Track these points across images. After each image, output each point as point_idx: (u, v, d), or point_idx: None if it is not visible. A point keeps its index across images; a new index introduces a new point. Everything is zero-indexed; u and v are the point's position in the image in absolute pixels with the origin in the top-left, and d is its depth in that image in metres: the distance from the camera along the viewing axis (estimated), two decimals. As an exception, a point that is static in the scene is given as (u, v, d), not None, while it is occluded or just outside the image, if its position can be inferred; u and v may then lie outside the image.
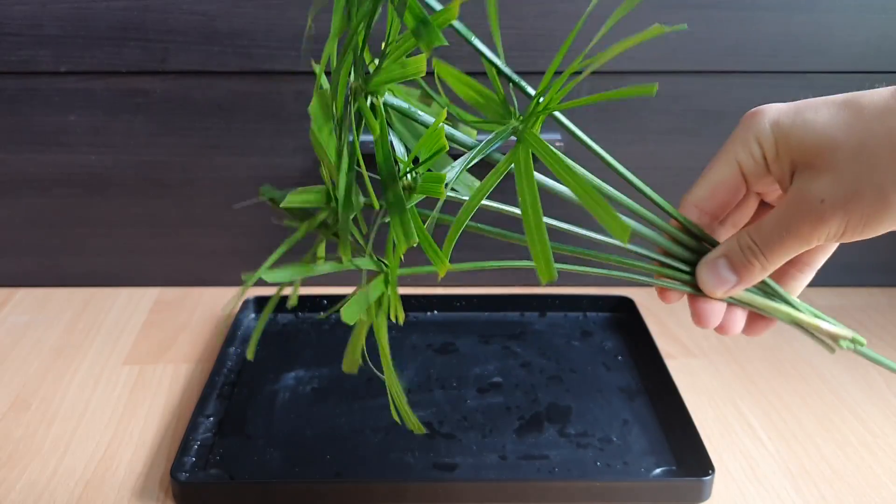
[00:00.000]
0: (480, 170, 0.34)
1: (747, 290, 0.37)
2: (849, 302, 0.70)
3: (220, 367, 0.57)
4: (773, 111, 0.34)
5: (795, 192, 0.33)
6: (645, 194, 0.36)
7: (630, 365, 0.59)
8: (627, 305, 0.65)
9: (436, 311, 0.66)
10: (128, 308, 0.68)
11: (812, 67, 0.62)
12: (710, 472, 0.46)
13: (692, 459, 0.48)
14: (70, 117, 0.63)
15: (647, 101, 0.63)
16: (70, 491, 0.47)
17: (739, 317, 0.38)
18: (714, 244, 0.37)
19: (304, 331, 0.63)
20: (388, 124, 0.35)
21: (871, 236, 0.32)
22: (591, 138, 0.36)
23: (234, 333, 0.61)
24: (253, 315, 0.65)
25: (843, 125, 0.31)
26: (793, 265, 0.38)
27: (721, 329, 0.38)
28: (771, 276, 0.37)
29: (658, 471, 0.48)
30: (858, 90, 0.66)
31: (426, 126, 0.34)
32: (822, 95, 0.67)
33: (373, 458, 0.49)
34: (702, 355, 0.61)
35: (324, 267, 0.36)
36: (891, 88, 0.31)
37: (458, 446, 0.50)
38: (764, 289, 0.38)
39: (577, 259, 0.37)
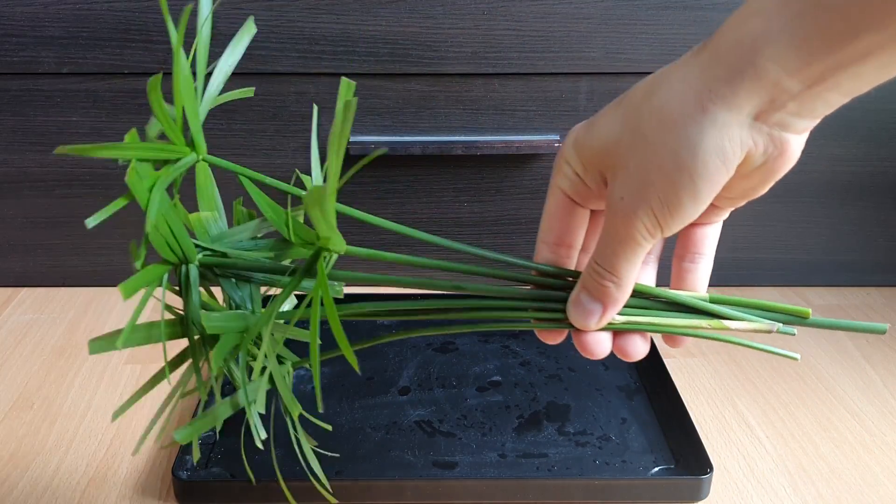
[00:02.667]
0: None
1: (635, 311, 0.35)
2: (846, 302, 0.70)
3: (222, 366, 0.57)
4: (574, 130, 0.34)
5: (607, 199, 0.32)
6: (502, 258, 0.36)
7: (629, 364, 0.59)
8: (626, 305, 0.65)
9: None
10: (130, 307, 0.68)
11: (810, 68, 0.62)
12: (709, 470, 0.46)
13: (690, 458, 0.48)
14: (72, 118, 0.64)
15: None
16: (73, 489, 0.47)
17: (637, 340, 0.36)
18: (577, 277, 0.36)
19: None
20: None
21: (690, 215, 0.30)
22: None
23: (235, 333, 0.61)
24: (254, 314, 0.65)
25: (619, 120, 0.31)
26: (683, 259, 0.37)
27: (623, 355, 0.36)
28: (673, 281, 0.37)
29: (656, 469, 0.48)
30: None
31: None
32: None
33: (373, 457, 0.49)
34: (700, 355, 0.62)
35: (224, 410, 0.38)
36: (656, 73, 0.31)
37: (457, 444, 0.50)
38: (655, 300, 0.36)
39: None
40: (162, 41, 0.61)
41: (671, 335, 0.36)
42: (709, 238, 0.36)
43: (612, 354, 0.62)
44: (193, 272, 0.35)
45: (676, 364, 0.60)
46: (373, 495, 0.46)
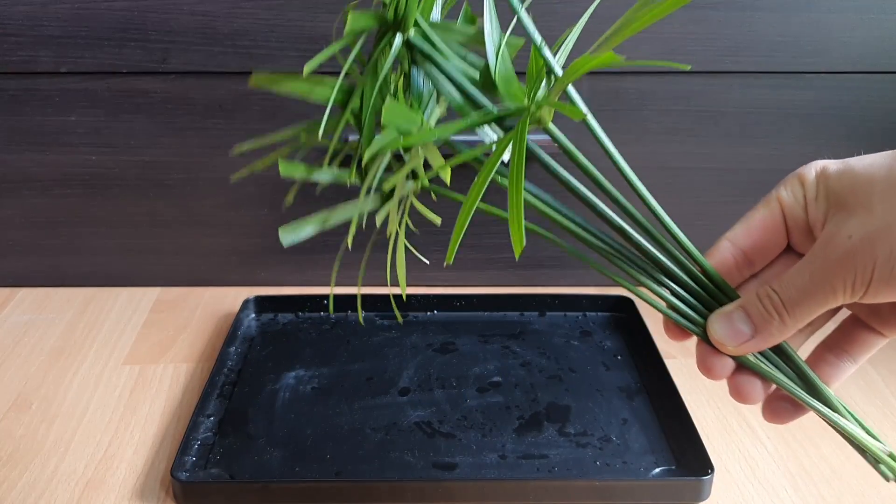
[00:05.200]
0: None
1: (768, 362, 0.34)
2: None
3: (221, 367, 0.57)
4: (824, 161, 0.32)
5: (824, 234, 0.30)
6: (673, 234, 0.34)
7: (629, 364, 0.59)
8: (627, 305, 0.65)
9: (436, 311, 0.66)
10: (128, 308, 0.68)
11: (811, 68, 0.62)
12: (710, 471, 0.46)
13: (691, 459, 0.48)
14: (71, 117, 0.64)
15: (647, 101, 0.63)
16: (71, 490, 0.47)
17: (757, 385, 0.34)
18: (735, 299, 0.34)
19: (304, 330, 0.63)
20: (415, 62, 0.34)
21: None
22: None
23: (234, 333, 0.61)
24: (253, 315, 0.65)
25: (884, 166, 0.30)
26: (830, 349, 0.35)
27: (736, 392, 0.34)
28: (807, 364, 0.34)
29: (657, 470, 0.48)
30: (857, 90, 0.66)
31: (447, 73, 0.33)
32: (820, 95, 0.68)
33: (373, 458, 0.49)
34: (701, 355, 0.61)
35: (325, 174, 0.35)
36: None
37: (457, 446, 0.50)
38: (790, 366, 0.34)
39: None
40: (160, 40, 0.60)
41: (777, 410, 0.35)
42: (871, 348, 0.35)
43: (610, 356, 0.62)
44: (398, 43, 0.32)
45: (677, 365, 0.60)
46: (373, 496, 0.46)
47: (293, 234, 0.34)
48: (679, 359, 0.61)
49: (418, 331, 0.63)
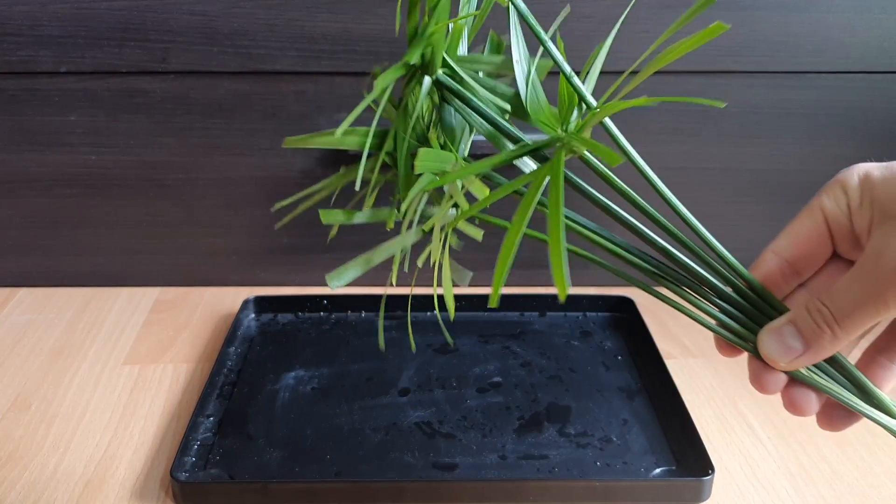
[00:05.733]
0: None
1: (820, 373, 0.34)
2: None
3: (221, 367, 0.57)
4: (866, 165, 0.32)
5: (872, 246, 0.30)
6: (716, 250, 0.35)
7: (630, 365, 0.59)
8: (627, 305, 0.65)
9: (436, 311, 0.66)
10: (128, 308, 0.68)
11: (811, 68, 0.62)
12: (710, 471, 0.46)
13: (692, 459, 0.48)
14: (70, 117, 0.64)
15: (647, 102, 0.63)
16: (70, 490, 0.47)
17: (812, 397, 0.34)
18: (784, 311, 0.34)
19: (304, 330, 0.63)
20: (446, 100, 0.34)
21: None
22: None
23: (234, 333, 0.61)
24: (253, 315, 0.65)
25: None
26: (881, 352, 0.34)
27: (791, 406, 0.34)
28: (858, 368, 0.34)
29: (658, 470, 0.48)
30: (857, 90, 0.66)
31: (477, 111, 0.34)
32: (821, 95, 0.67)
33: (372, 458, 0.49)
34: (701, 355, 0.61)
35: (363, 215, 0.36)
36: None
37: (457, 446, 0.50)
38: (843, 374, 0.34)
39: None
40: (160, 40, 0.60)
41: (832, 419, 0.34)
42: None
43: (611, 356, 0.62)
44: (426, 84, 0.32)
45: (678, 365, 0.60)
46: (372, 497, 0.46)
47: (339, 279, 0.35)
48: (679, 359, 0.61)
49: (418, 331, 0.63)
